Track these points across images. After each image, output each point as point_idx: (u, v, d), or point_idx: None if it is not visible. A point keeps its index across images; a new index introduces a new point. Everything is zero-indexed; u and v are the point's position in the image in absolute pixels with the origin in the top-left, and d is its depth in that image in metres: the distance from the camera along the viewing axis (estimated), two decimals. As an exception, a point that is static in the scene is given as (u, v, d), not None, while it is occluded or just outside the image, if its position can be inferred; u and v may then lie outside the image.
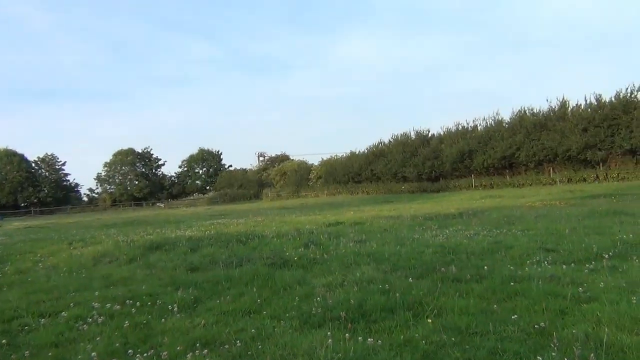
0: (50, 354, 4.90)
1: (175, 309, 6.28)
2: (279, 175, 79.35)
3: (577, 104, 42.06)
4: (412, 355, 4.21)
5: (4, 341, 5.42)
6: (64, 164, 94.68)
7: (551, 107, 44.03)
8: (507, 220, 14.45)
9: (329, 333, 4.82)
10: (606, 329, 4.28)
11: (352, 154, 65.71)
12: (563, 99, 43.28)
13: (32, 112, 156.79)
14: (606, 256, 7.67)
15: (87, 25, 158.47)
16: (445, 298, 5.85)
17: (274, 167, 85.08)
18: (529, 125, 43.56)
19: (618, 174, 35.99)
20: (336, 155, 70.94)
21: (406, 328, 4.97)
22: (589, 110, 40.04)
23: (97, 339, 5.28)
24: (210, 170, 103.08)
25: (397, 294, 5.97)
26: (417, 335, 4.68)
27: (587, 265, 7.21)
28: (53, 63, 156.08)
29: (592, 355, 3.71)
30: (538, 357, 3.90)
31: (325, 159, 72.71)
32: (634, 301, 5.15)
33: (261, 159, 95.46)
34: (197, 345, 4.82)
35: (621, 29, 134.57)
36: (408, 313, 5.39)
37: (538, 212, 16.82)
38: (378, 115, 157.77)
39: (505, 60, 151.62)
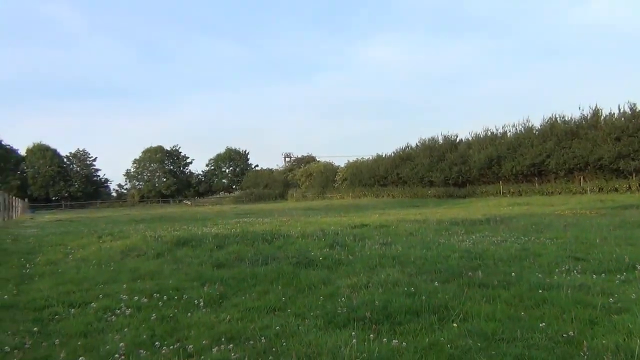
0: (79, 343, 5.00)
1: (202, 303, 6.35)
2: (305, 176, 79.52)
3: (610, 113, 41.04)
4: (437, 358, 4.18)
5: (35, 329, 5.56)
6: (94, 160, 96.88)
7: (583, 115, 43.10)
8: (535, 227, 14.22)
9: (353, 333, 4.82)
10: (638, 341, 4.18)
11: (379, 157, 65.44)
12: (596, 107, 42.32)
13: (65, 108, 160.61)
14: (639, 267, 7.50)
15: (120, 25, 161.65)
16: (472, 303, 5.79)
17: (300, 167, 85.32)
18: (559, 133, 42.73)
19: (651, 185, 35.07)
20: (362, 158, 70.77)
21: (431, 331, 4.93)
22: (623, 119, 39.03)
23: (125, 330, 5.38)
24: (237, 169, 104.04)
25: (423, 297, 5.94)
26: (442, 339, 4.64)
27: (618, 276, 7.05)
28: (87, 62, 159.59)
29: (623, 365, 3.64)
30: (566, 366, 3.83)
31: (351, 161, 72.61)
32: (667, 313, 5.02)
33: (287, 159, 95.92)
34: (223, 339, 4.87)
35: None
36: (433, 316, 5.36)
37: (567, 220, 16.51)
38: (405, 119, 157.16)
39: (536, 67, 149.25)
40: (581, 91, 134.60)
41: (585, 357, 3.99)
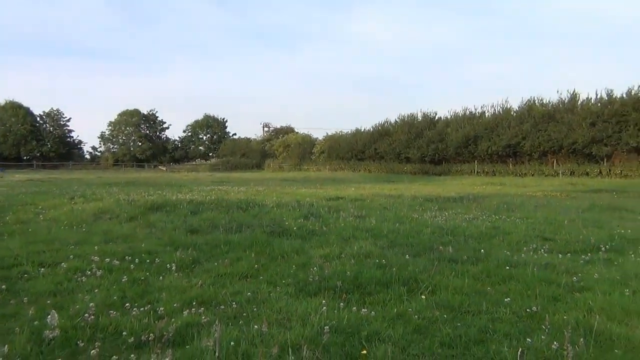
0: (48, 301, 4.98)
1: (174, 268, 6.36)
2: (283, 147, 79.18)
3: (587, 98, 41.68)
4: (404, 328, 4.28)
5: (3, 287, 5.51)
6: (68, 120, 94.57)
7: (561, 98, 43.65)
8: (507, 207, 14.49)
9: (323, 301, 4.89)
10: (597, 318, 4.35)
11: (357, 131, 65.39)
12: (574, 91, 42.87)
13: (39, 66, 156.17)
14: (603, 249, 7.73)
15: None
16: (441, 277, 5.92)
17: (278, 138, 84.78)
18: (537, 115, 43.25)
19: (621, 171, 35.86)
20: (341, 132, 70.66)
21: (400, 302, 5.04)
22: (599, 104, 39.66)
23: (96, 291, 5.36)
24: (214, 137, 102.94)
25: (393, 269, 6.05)
26: (410, 309, 4.75)
27: (583, 257, 7.27)
28: (63, 18, 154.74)
29: (581, 340, 3.78)
30: (528, 339, 3.96)
31: (329, 134, 72.51)
32: (627, 293, 5.21)
33: (266, 129, 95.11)
34: (194, 303, 4.90)
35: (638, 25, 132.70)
36: (403, 288, 5.46)
37: (538, 201, 16.86)
38: (386, 95, 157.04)
39: (518, 49, 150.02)
40: (561, 75, 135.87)
41: (547, 331, 4.13)
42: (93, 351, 3.67)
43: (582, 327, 4.23)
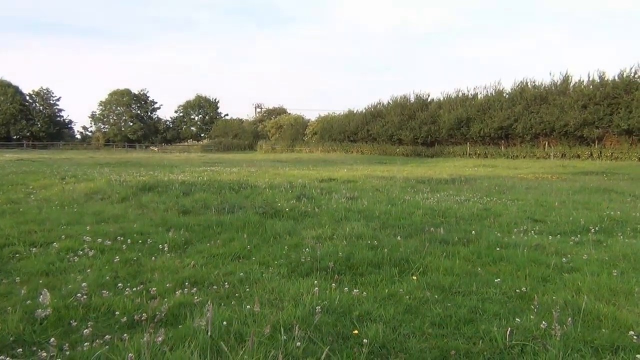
0: (40, 281, 4.98)
1: (166, 248, 6.36)
2: (275, 128, 78.88)
3: (579, 80, 41.74)
4: (395, 308, 4.32)
5: (-5, 266, 5.50)
6: (58, 99, 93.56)
7: (553, 80, 43.67)
8: (498, 189, 14.58)
9: (315, 282, 4.92)
10: (585, 298, 4.40)
11: (350, 112, 65.19)
12: (566, 73, 43.14)
13: (29, 44, 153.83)
14: (592, 230, 7.82)
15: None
16: (432, 258, 5.96)
17: (271, 119, 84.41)
18: (529, 97, 43.30)
19: (612, 153, 36.12)
20: (334, 113, 70.41)
21: (391, 283, 5.08)
22: (591, 87, 39.73)
23: (88, 271, 5.37)
24: (206, 117, 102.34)
25: (385, 250, 6.08)
26: (401, 290, 4.79)
27: (572, 238, 7.34)
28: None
29: (569, 319, 3.83)
30: (517, 319, 4.01)
31: (322, 115, 72.25)
32: (614, 274, 5.28)
33: (258, 110, 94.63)
34: (186, 284, 4.92)
35: (635, 8, 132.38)
36: (394, 269, 5.51)
37: (529, 183, 16.96)
38: (378, 76, 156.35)
39: (511, 31, 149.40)
40: (554, 57, 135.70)
41: (535, 310, 4.19)
42: (86, 330, 3.69)
43: (570, 307, 4.29)
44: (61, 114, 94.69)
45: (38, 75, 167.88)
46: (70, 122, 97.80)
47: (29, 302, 4.25)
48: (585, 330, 3.81)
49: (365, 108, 62.23)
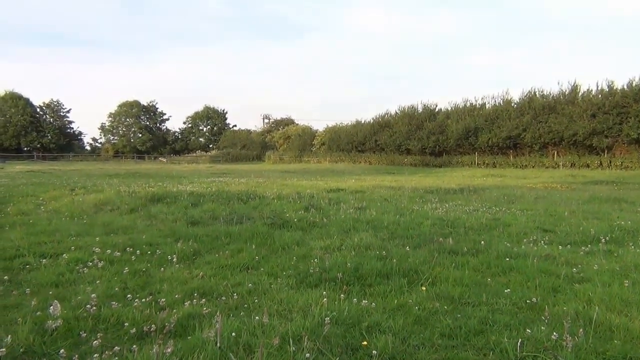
0: (50, 292, 5.00)
1: (175, 259, 6.37)
2: (283, 139, 79.17)
3: (588, 89, 41.58)
4: (404, 319, 4.30)
5: (5, 278, 5.54)
6: (68, 111, 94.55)
7: (562, 90, 43.55)
8: (507, 199, 14.51)
9: (324, 293, 4.91)
10: (597, 308, 4.36)
11: (358, 122, 65.33)
12: (574, 82, 42.77)
13: (39, 57, 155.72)
14: (603, 240, 7.74)
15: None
16: (441, 268, 5.93)
17: (278, 130, 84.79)
18: (537, 107, 43.17)
19: (622, 163, 35.86)
20: (341, 123, 70.61)
21: (400, 294, 5.06)
22: (600, 96, 39.56)
23: (97, 282, 5.39)
24: (215, 128, 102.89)
25: (394, 261, 6.06)
26: (410, 301, 4.77)
27: (583, 248, 7.28)
28: (63, 9, 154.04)
29: (580, 330, 3.79)
30: (527, 330, 3.98)
31: (330, 125, 72.42)
32: (626, 284, 5.23)
33: (266, 121, 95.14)
34: (195, 294, 4.92)
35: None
36: (403, 280, 5.48)
37: (538, 193, 16.87)
38: (386, 86, 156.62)
39: (518, 40, 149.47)
40: (562, 66, 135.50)
41: (546, 321, 4.15)
42: (95, 342, 3.69)
43: (581, 318, 4.25)
44: (71, 126, 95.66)
45: (48, 87, 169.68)
46: (80, 133, 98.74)
47: (39, 313, 4.27)
48: (597, 342, 3.77)
49: (373, 118, 62.41)
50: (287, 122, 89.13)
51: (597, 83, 42.82)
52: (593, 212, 11.35)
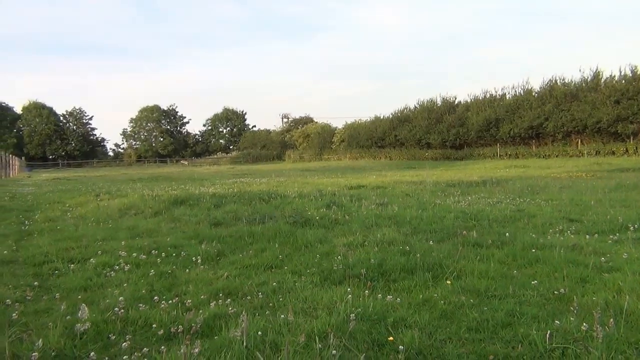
0: (79, 297, 5.08)
1: (199, 260, 6.43)
2: (302, 137, 79.22)
3: (610, 75, 40.81)
4: (430, 313, 4.27)
5: (35, 283, 5.64)
6: (91, 119, 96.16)
7: (583, 77, 42.90)
8: (530, 189, 14.32)
9: (348, 289, 4.90)
10: (627, 298, 4.27)
11: (377, 118, 65.09)
12: (597, 69, 42.05)
13: (61, 66, 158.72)
14: (631, 228, 7.60)
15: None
16: (466, 261, 5.88)
17: (298, 129, 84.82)
18: (559, 95, 42.51)
19: (648, 148, 35.12)
20: (360, 120, 70.36)
21: (425, 288, 5.02)
22: (623, 81, 38.80)
23: (124, 285, 5.46)
24: (234, 129, 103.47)
25: (418, 256, 6.02)
26: (436, 295, 4.73)
27: (611, 237, 7.15)
28: (84, 19, 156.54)
29: (611, 321, 3.72)
30: (556, 321, 3.91)
31: (349, 122, 72.22)
32: (657, 273, 5.11)
33: (285, 120, 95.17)
34: (220, 295, 4.95)
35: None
36: (427, 274, 5.44)
37: (563, 183, 16.61)
38: (404, 80, 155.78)
39: (538, 28, 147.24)
40: (583, 53, 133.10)
41: (575, 312, 4.08)
42: (124, 344, 3.75)
43: (611, 308, 4.17)
44: (94, 133, 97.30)
45: (71, 96, 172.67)
46: (103, 140, 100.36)
47: (68, 317, 4.34)
48: (628, 331, 3.69)
49: (391, 113, 62.16)
50: (306, 121, 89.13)
51: (619, 68, 41.89)
52: (620, 200, 11.14)
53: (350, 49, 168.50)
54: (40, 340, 3.77)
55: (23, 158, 72.79)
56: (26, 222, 10.56)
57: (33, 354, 3.55)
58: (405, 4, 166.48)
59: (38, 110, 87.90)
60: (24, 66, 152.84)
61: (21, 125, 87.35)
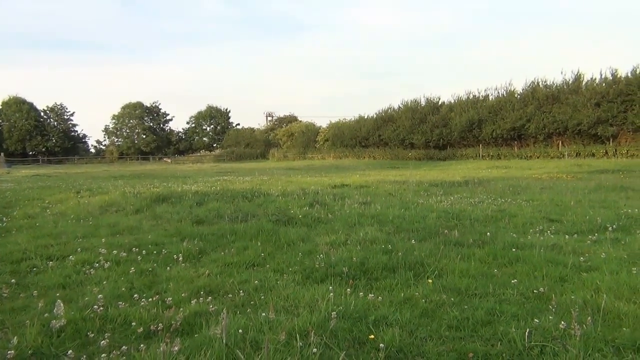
0: (57, 294, 5.01)
1: (181, 258, 6.38)
2: (286, 136, 79.07)
3: (591, 78, 41.36)
4: (411, 312, 4.29)
5: (13, 280, 5.55)
6: (72, 115, 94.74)
7: (565, 79, 43.35)
8: (512, 190, 14.46)
9: (330, 287, 4.89)
10: (605, 297, 4.33)
11: (361, 118, 65.17)
12: (578, 72, 42.54)
13: (42, 61, 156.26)
14: (610, 229, 7.72)
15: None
16: (447, 260, 5.92)
17: (282, 127, 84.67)
18: (541, 97, 42.97)
19: (627, 151, 35.64)
20: (344, 119, 70.41)
21: (407, 287, 5.04)
22: (604, 84, 39.34)
23: (104, 282, 5.39)
24: (218, 127, 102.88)
25: (400, 254, 6.05)
26: (417, 293, 4.76)
27: (590, 237, 7.25)
28: (64, 13, 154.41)
29: (589, 319, 3.77)
30: (535, 320, 3.96)
31: (333, 122, 72.25)
32: (634, 272, 5.20)
33: (269, 118, 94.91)
34: (201, 293, 4.93)
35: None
36: (409, 273, 5.47)
37: (544, 184, 16.81)
38: (388, 80, 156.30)
39: (522, 30, 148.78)
40: (565, 55, 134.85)
41: (554, 311, 4.13)
42: (103, 342, 3.70)
43: (589, 307, 4.23)
44: (75, 129, 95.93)
45: (52, 91, 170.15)
46: (84, 136, 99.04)
47: (46, 315, 4.28)
48: (605, 330, 3.75)
49: (376, 113, 62.23)
50: (291, 120, 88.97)
51: (600, 72, 42.62)
52: (599, 201, 11.30)
53: (335, 48, 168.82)
54: (15, 337, 3.71)
55: (2, 154, 71.53)
56: (4, 218, 10.37)
57: (9, 352, 3.49)
58: (390, 4, 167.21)
59: (18, 105, 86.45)
60: (3, 60, 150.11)
61: (0, 121, 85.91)
